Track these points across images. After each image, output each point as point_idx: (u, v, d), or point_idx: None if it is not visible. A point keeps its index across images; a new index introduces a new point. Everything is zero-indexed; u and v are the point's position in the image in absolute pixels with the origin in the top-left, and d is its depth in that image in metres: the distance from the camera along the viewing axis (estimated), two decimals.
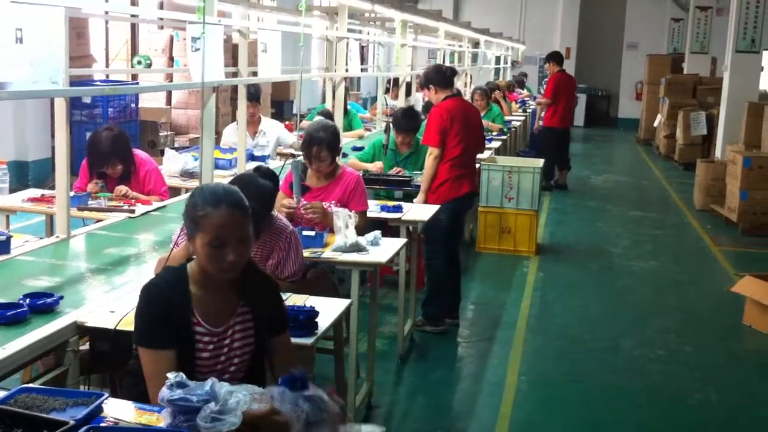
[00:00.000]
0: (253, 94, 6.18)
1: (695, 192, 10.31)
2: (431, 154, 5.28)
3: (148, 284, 2.34)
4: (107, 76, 9.75)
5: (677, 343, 5.36)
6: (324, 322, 2.88)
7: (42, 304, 2.69)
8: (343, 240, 3.83)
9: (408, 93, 10.06)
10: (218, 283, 2.34)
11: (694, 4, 17.17)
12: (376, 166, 5.96)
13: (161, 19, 8.89)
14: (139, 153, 4.80)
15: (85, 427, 1.91)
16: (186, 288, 2.32)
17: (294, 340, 2.73)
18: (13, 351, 2.37)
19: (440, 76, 5.44)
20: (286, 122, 8.09)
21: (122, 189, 4.55)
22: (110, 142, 4.54)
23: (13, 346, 2.40)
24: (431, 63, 6.71)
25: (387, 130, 6.06)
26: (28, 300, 2.71)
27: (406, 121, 6.02)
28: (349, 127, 8.35)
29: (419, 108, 8.87)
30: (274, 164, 5.77)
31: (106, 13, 6.95)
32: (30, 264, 3.36)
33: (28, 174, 9.03)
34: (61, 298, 2.79)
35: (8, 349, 2.36)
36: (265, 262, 3.43)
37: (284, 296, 3.09)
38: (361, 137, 8.50)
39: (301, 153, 4.25)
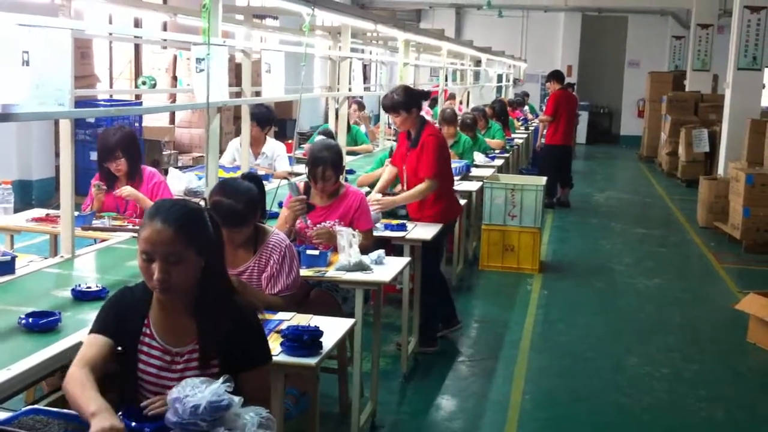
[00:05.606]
0: (255, 115, 6.20)
1: (698, 209, 10.31)
2: (430, 187, 5.07)
3: (124, 287, 2.43)
4: (111, 95, 9.80)
5: (682, 361, 5.35)
6: (328, 341, 2.88)
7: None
8: (347, 259, 3.83)
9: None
10: (172, 302, 2.29)
11: (695, 22, 17.23)
12: None
13: (165, 40, 8.94)
14: (148, 168, 4.81)
15: None
16: (150, 299, 2.33)
17: (298, 360, 2.74)
18: (19, 371, 2.34)
19: (417, 99, 5.09)
20: (288, 141, 8.10)
21: (125, 190, 4.48)
22: (118, 135, 4.52)
23: (24, 363, 2.39)
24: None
25: (391, 153, 6.07)
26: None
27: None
28: (353, 143, 8.38)
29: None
30: (274, 184, 5.78)
31: (110, 34, 6.99)
32: (47, 276, 3.40)
33: (32, 193, 9.06)
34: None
35: (13, 370, 2.34)
36: (260, 276, 3.43)
37: (287, 316, 3.11)
38: (369, 152, 8.52)
39: (293, 174, 4.29)
